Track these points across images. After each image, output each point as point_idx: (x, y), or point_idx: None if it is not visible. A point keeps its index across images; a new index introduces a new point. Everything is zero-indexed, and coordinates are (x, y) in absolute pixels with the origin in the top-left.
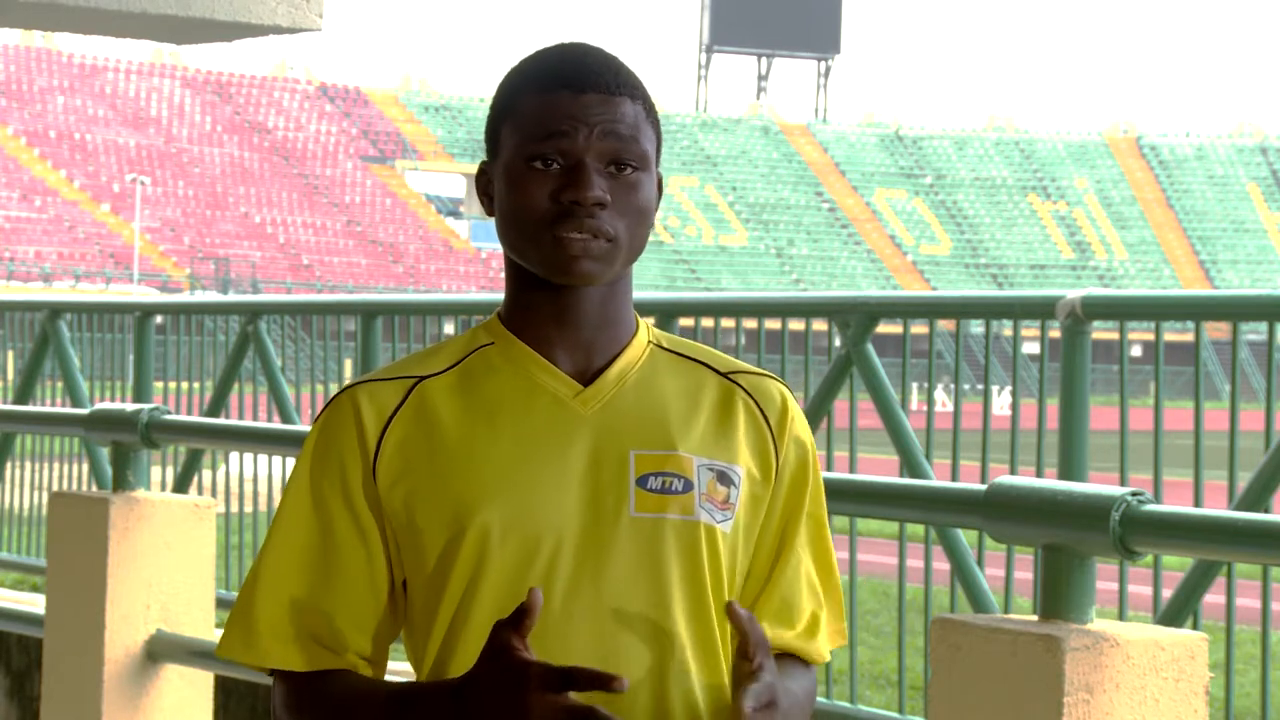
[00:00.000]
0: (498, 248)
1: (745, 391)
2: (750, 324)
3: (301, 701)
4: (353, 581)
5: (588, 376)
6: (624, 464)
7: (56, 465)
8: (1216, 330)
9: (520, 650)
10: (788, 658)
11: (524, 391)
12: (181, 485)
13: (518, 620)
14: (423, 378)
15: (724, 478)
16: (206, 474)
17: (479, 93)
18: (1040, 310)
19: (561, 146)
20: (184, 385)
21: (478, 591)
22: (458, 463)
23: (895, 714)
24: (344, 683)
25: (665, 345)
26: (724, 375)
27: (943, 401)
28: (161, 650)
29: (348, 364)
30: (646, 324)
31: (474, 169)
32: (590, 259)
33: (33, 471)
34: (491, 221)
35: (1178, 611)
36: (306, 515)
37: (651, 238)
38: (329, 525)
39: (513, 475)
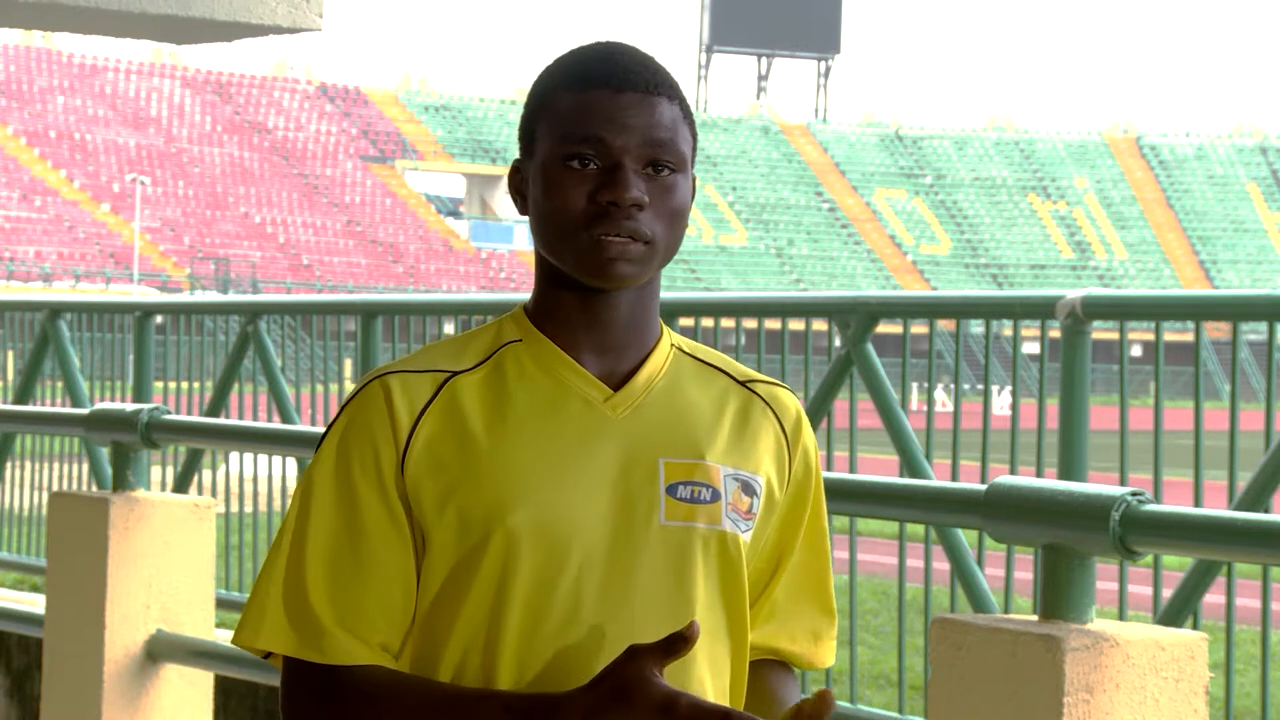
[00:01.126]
0: (498, 248)
1: (763, 401)
2: (750, 324)
3: (327, 691)
4: (386, 572)
5: (615, 380)
6: (654, 471)
7: (56, 465)
8: (1216, 330)
9: (660, 679)
10: (780, 667)
11: (554, 394)
12: (181, 485)
13: (668, 648)
14: (454, 373)
15: (748, 488)
16: (206, 474)
17: (479, 93)
18: (1040, 310)
19: (599, 147)
20: (184, 385)
21: (509, 596)
22: (487, 464)
23: (895, 714)
24: (386, 675)
25: (686, 350)
26: (742, 384)
27: (943, 401)
28: (161, 650)
29: (348, 364)
30: (668, 328)
31: (474, 169)
32: (627, 261)
33: (33, 471)
34: (491, 222)
35: (1178, 611)
36: (341, 502)
37: None
38: (364, 513)
39: (542, 479)
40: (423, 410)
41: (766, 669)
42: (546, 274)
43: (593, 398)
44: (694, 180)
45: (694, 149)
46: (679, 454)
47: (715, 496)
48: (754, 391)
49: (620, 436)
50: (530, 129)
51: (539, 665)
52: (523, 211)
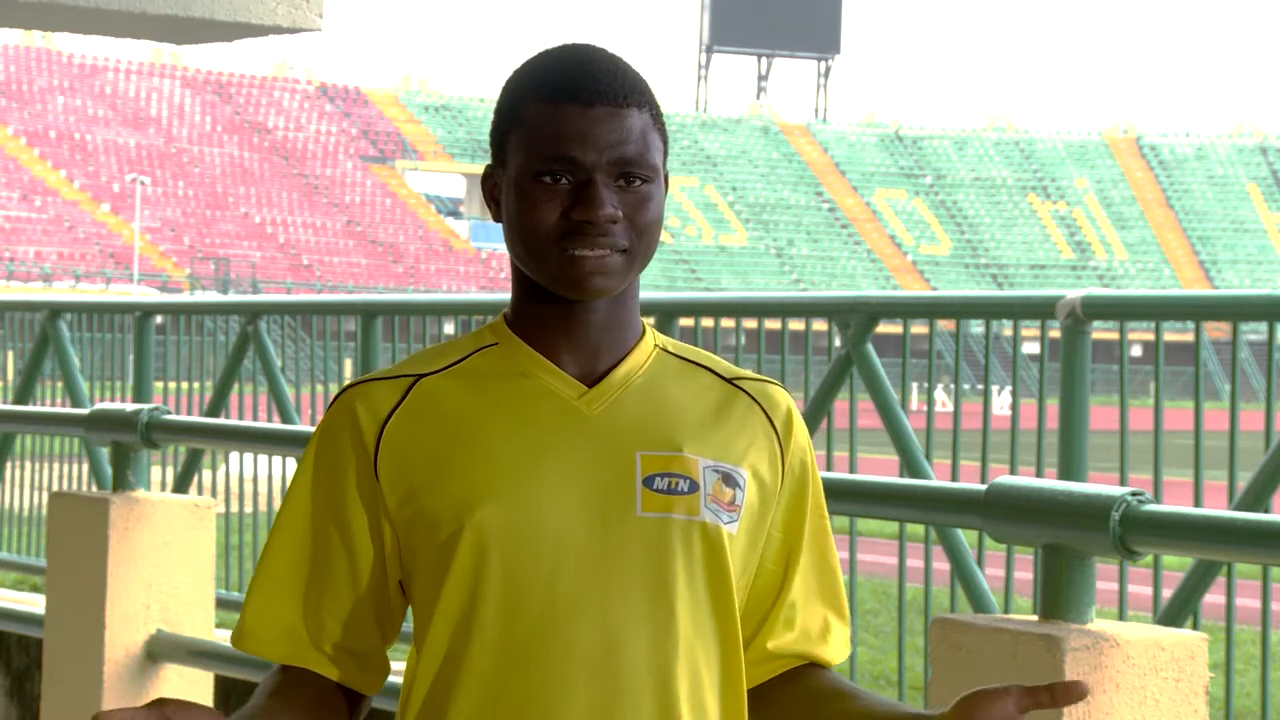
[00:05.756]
0: (498, 248)
1: (750, 397)
2: (750, 324)
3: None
4: (337, 583)
5: (592, 379)
6: (630, 465)
7: (56, 465)
8: (1216, 330)
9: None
10: (819, 669)
11: (528, 391)
12: (181, 485)
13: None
14: (422, 375)
15: (729, 479)
16: (206, 474)
17: (479, 93)
18: (1040, 310)
19: (571, 164)
20: (184, 385)
21: (482, 591)
22: (459, 459)
23: None
24: (286, 684)
25: (671, 350)
26: (728, 381)
27: (943, 401)
28: (161, 650)
29: (348, 364)
30: (652, 329)
31: (474, 169)
32: (603, 275)
33: (33, 471)
34: (491, 222)
35: (1178, 611)
36: (301, 516)
37: None
38: (320, 528)
39: (515, 474)
40: (389, 414)
41: (810, 673)
42: (522, 283)
43: (566, 395)
44: (666, 178)
45: (665, 153)
46: (656, 447)
47: (693, 488)
48: (740, 388)
49: (595, 431)
50: (501, 138)
51: (515, 660)
52: (496, 218)
